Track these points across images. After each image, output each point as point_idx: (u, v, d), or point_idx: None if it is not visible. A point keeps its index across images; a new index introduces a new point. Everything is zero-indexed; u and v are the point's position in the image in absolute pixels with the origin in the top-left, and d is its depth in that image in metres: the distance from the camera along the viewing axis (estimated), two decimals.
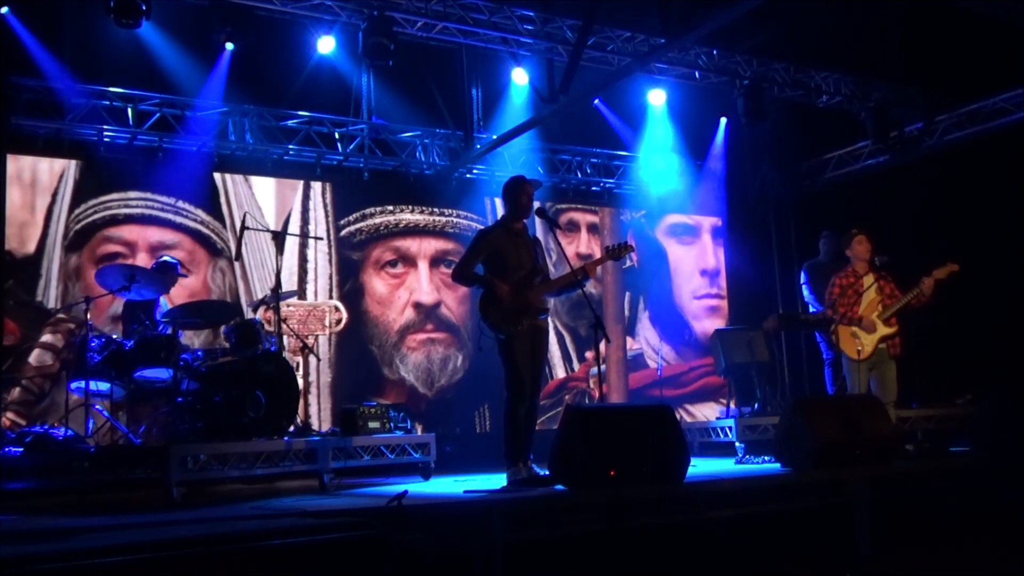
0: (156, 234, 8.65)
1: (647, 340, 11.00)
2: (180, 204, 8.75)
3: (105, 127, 8.31)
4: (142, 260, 8.18)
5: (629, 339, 10.97)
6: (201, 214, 8.87)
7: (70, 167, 8.37)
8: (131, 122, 8.41)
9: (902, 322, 6.85)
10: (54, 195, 8.25)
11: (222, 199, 9.01)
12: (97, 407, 6.38)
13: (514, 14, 8.41)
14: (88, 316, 6.40)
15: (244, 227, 7.17)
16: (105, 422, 6.44)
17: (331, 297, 9.37)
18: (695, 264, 11.71)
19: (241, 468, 5.67)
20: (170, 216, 8.71)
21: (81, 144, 8.35)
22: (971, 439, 6.65)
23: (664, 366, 10.71)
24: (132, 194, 8.57)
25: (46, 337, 8.02)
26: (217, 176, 9.00)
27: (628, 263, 11.02)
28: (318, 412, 8.96)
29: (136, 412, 6.75)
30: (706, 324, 11.26)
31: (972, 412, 6.84)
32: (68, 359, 7.82)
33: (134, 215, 8.57)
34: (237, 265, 8.90)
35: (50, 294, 8.10)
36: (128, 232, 8.53)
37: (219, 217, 8.97)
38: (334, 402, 9.03)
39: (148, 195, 8.64)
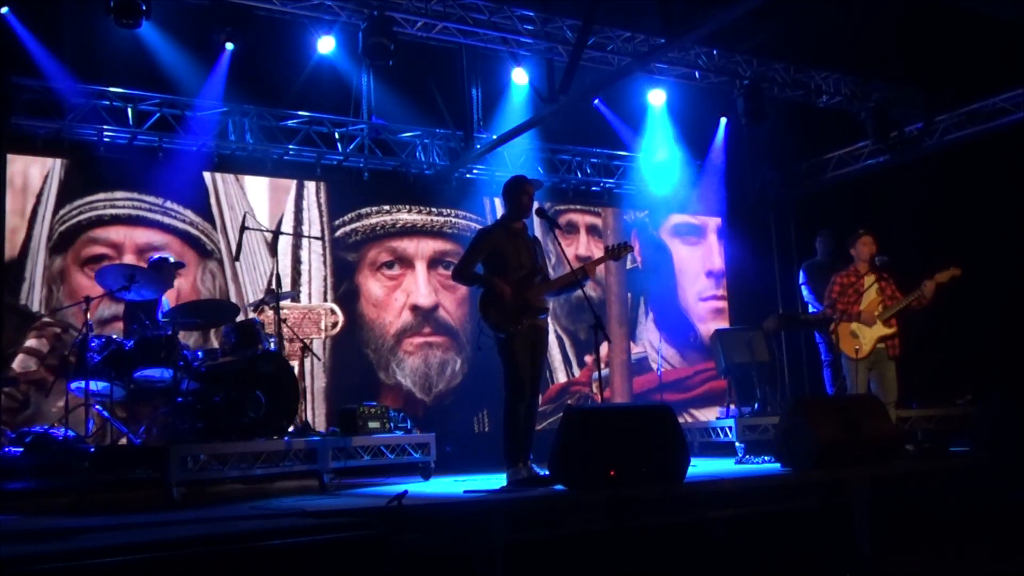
0: (143, 235, 8.45)
1: (650, 343, 10.85)
2: (168, 204, 8.58)
3: (105, 127, 8.30)
4: (129, 262, 7.98)
5: (632, 342, 10.86)
6: (190, 215, 8.70)
7: (55, 167, 8.18)
8: (131, 122, 8.39)
9: (902, 323, 6.85)
10: (39, 196, 8.06)
11: (212, 199, 8.85)
12: (97, 407, 6.37)
13: (514, 14, 8.41)
14: (88, 316, 6.38)
15: (244, 227, 7.17)
16: (105, 422, 6.43)
17: (325, 300, 9.22)
18: (701, 265, 11.57)
19: (241, 468, 5.67)
20: (158, 217, 8.53)
21: (80, 144, 8.33)
22: (971, 439, 6.65)
23: (669, 370, 10.64)
24: (119, 194, 8.41)
25: (30, 342, 7.80)
26: (207, 176, 8.85)
27: (632, 264, 10.95)
28: (312, 418, 8.74)
29: (136, 412, 6.73)
30: (712, 326, 10.95)
31: (972, 412, 6.85)
32: (53, 365, 7.71)
33: (120, 216, 8.38)
34: (228, 267, 8.76)
35: (34, 297, 7.90)
36: (114, 233, 8.34)
37: (209, 218, 8.80)
38: (328, 408, 8.86)
39: (135, 195, 8.47)
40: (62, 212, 8.17)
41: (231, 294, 8.73)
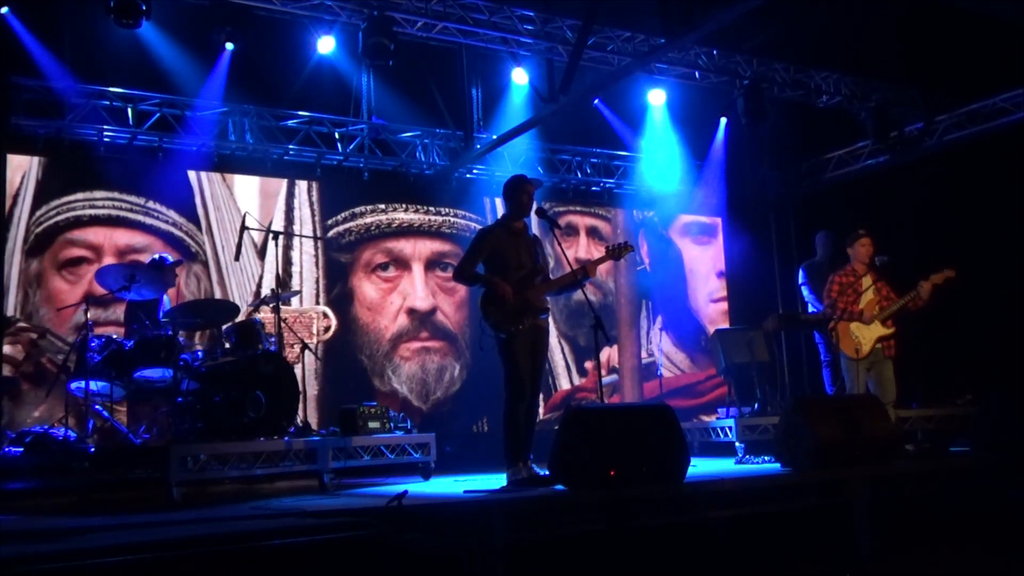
0: (124, 236, 8.19)
1: (658, 346, 10.54)
2: (150, 204, 8.36)
3: (105, 127, 8.29)
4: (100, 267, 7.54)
5: (639, 346, 10.65)
6: (174, 215, 8.45)
7: (32, 165, 7.92)
8: (131, 122, 8.39)
9: (899, 323, 6.87)
10: (15, 196, 7.78)
11: (198, 199, 8.61)
12: (97, 407, 6.37)
13: (514, 14, 8.41)
14: (88, 316, 6.38)
15: (244, 227, 7.15)
16: (105, 422, 6.44)
17: (317, 303, 8.97)
18: (711, 265, 11.40)
19: (241, 468, 5.68)
20: (139, 217, 8.28)
21: (81, 144, 8.32)
22: (971, 439, 6.65)
23: (679, 375, 10.50)
24: (98, 194, 8.16)
25: (4, 348, 7.46)
26: (192, 175, 8.65)
27: (639, 265, 10.88)
28: None
29: (136, 412, 6.73)
30: None
31: (972, 412, 6.85)
32: (29, 372, 7.52)
33: (100, 216, 8.13)
34: (213, 269, 8.57)
35: (8, 302, 7.56)
36: (93, 235, 8.08)
37: (194, 219, 8.56)
38: (321, 414, 8.58)
39: (116, 195, 8.22)
40: (39, 213, 7.92)
41: (216, 297, 8.40)
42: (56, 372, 7.05)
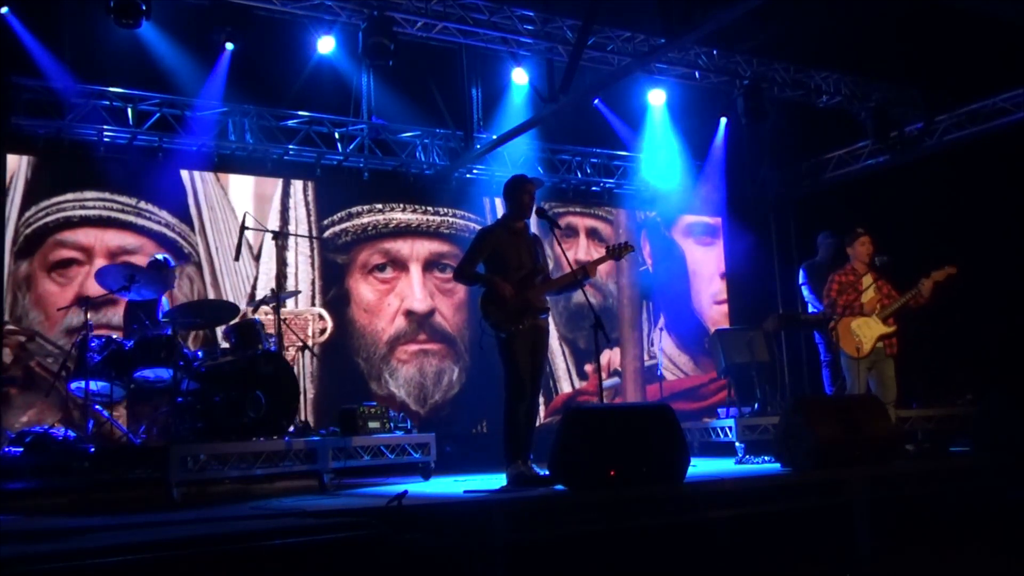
0: (115, 238, 8.08)
1: (660, 347, 10.36)
2: (142, 205, 8.26)
3: (105, 127, 8.29)
4: (100, 267, 7.33)
5: (642, 348, 10.57)
6: (166, 216, 8.35)
7: (21, 164, 7.81)
8: (131, 122, 8.39)
9: (900, 321, 6.87)
10: (4, 196, 7.60)
11: (190, 200, 8.50)
12: (97, 407, 6.37)
13: (514, 14, 8.41)
14: (88, 316, 6.38)
15: (244, 227, 7.15)
16: (105, 422, 6.44)
17: (313, 304, 8.86)
18: (715, 267, 11.34)
19: (241, 468, 5.68)
20: (131, 218, 8.17)
21: (80, 144, 8.31)
22: (971, 439, 6.66)
23: (682, 378, 10.44)
24: (89, 194, 8.05)
25: None
26: (185, 175, 8.55)
27: (642, 266, 10.84)
28: None
29: (136, 412, 6.73)
30: None
31: (972, 412, 6.85)
32: (17, 376, 7.44)
33: (91, 217, 8.03)
34: (207, 271, 8.48)
35: None
36: (84, 236, 7.96)
37: (186, 220, 8.48)
38: (317, 418, 8.43)
39: (106, 195, 8.12)
40: (28, 214, 7.82)
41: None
42: (47, 375, 7.00)
